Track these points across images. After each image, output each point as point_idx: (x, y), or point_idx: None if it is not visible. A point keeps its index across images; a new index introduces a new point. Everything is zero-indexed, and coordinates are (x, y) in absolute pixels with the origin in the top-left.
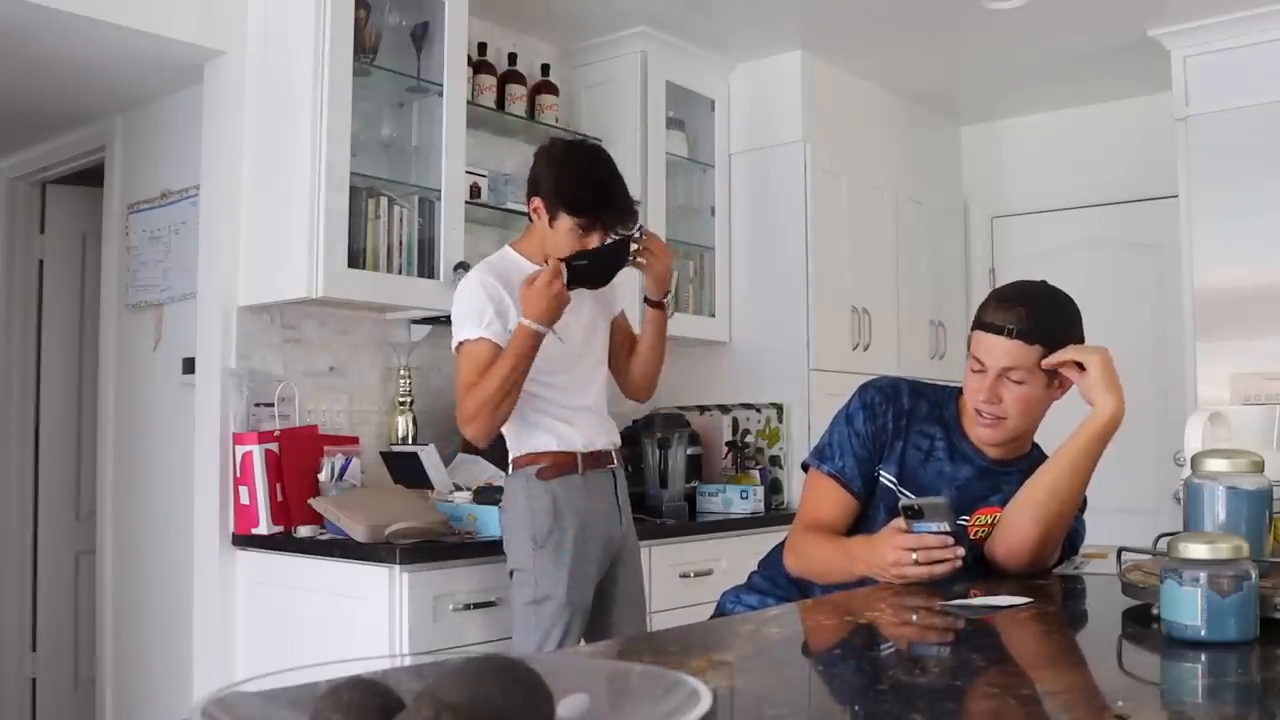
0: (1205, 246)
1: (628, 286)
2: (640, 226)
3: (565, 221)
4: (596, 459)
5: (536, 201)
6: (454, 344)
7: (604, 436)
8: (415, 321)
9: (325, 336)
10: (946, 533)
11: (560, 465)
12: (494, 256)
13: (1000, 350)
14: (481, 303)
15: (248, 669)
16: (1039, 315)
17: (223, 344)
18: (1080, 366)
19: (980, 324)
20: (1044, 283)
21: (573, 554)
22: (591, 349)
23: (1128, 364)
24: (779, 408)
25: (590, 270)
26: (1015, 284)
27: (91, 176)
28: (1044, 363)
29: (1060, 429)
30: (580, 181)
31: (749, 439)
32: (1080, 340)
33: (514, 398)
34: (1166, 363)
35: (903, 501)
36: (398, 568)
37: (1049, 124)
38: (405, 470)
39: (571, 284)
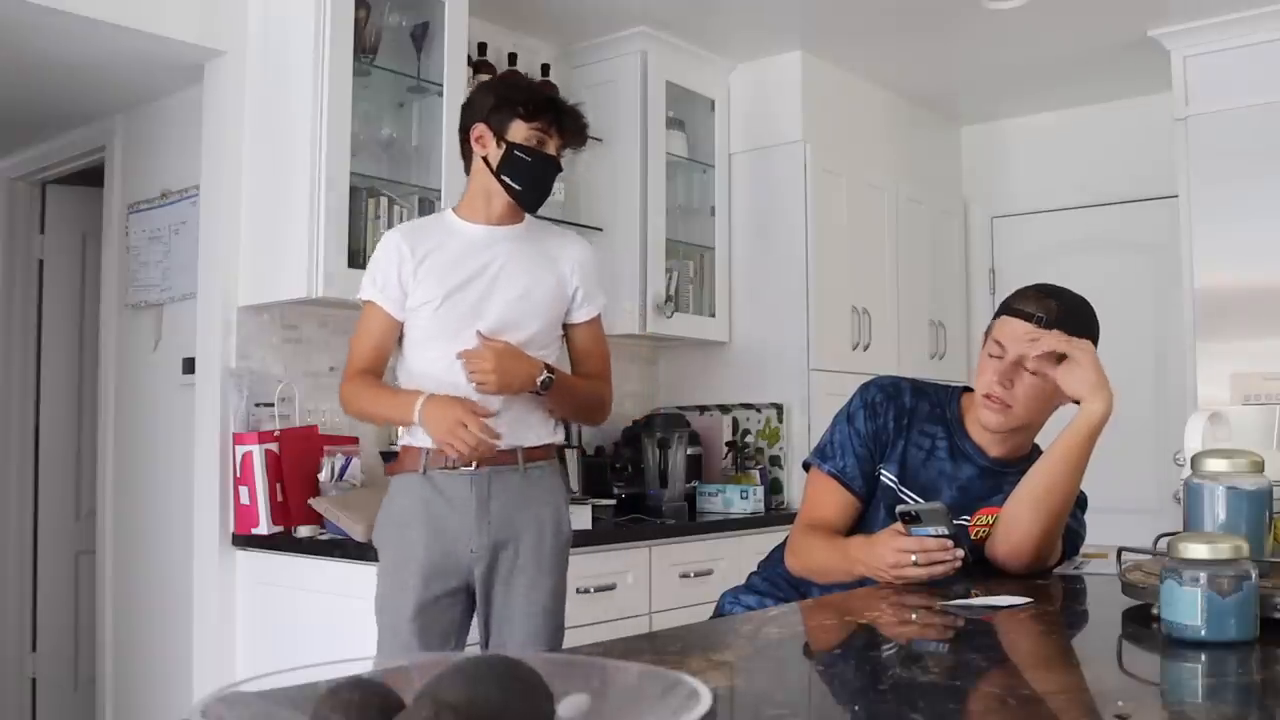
0: (1205, 246)
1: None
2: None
3: (520, 129)
4: (447, 458)
5: (479, 129)
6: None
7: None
8: None
9: (325, 336)
10: (945, 536)
11: (407, 462)
12: (427, 217)
13: (1024, 335)
14: (382, 263)
15: (248, 669)
16: (1069, 313)
17: (223, 344)
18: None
19: (1010, 310)
20: (1069, 289)
21: (385, 560)
22: (520, 326)
23: (1128, 364)
24: (779, 408)
25: (531, 172)
26: (1045, 284)
27: (91, 176)
28: (1034, 347)
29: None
30: (527, 84)
31: (749, 439)
32: (1097, 339)
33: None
34: (1166, 363)
35: (900, 507)
36: None
37: (1049, 124)
38: None
39: (512, 184)
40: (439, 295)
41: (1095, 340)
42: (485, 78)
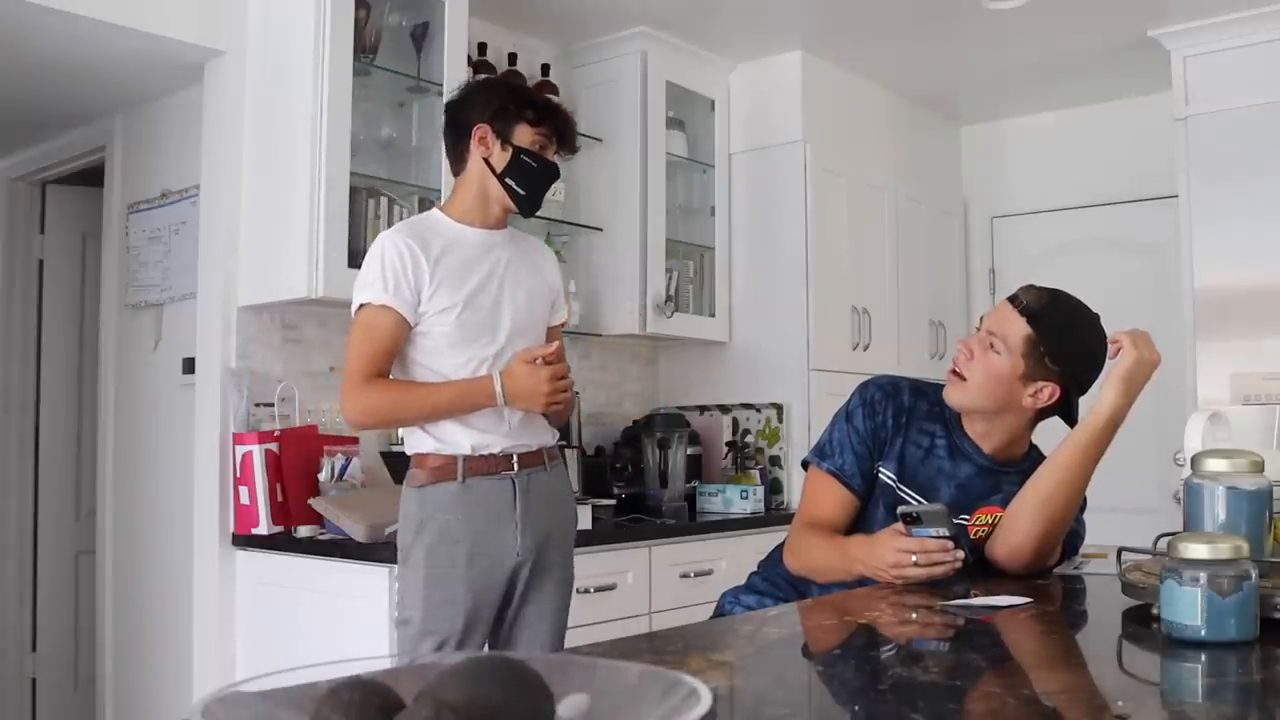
0: (1205, 246)
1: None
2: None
3: (525, 134)
4: (488, 464)
5: (482, 130)
6: (353, 306)
7: (504, 438)
8: None
9: (325, 336)
10: (945, 537)
11: (438, 471)
12: (417, 217)
13: (1000, 314)
14: (393, 265)
15: (248, 669)
16: (1055, 310)
17: (223, 344)
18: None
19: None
20: (1083, 304)
21: (427, 573)
22: (528, 330)
23: None
24: (779, 408)
25: (535, 177)
26: (1060, 289)
27: (91, 176)
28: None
29: (1060, 431)
30: (528, 87)
31: (749, 439)
32: (1087, 366)
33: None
34: (1167, 363)
35: (901, 508)
36: (398, 568)
37: (1049, 124)
38: (405, 470)
39: (516, 189)
40: (460, 300)
41: (1083, 355)
42: (485, 76)
